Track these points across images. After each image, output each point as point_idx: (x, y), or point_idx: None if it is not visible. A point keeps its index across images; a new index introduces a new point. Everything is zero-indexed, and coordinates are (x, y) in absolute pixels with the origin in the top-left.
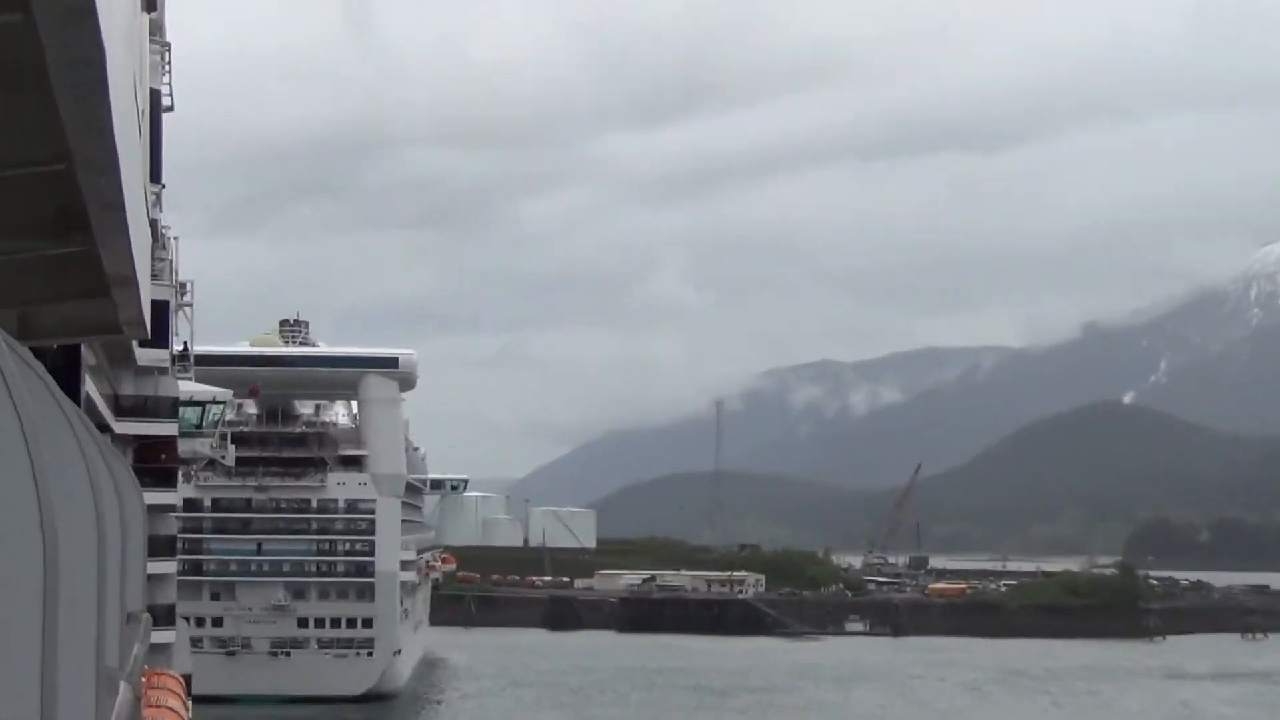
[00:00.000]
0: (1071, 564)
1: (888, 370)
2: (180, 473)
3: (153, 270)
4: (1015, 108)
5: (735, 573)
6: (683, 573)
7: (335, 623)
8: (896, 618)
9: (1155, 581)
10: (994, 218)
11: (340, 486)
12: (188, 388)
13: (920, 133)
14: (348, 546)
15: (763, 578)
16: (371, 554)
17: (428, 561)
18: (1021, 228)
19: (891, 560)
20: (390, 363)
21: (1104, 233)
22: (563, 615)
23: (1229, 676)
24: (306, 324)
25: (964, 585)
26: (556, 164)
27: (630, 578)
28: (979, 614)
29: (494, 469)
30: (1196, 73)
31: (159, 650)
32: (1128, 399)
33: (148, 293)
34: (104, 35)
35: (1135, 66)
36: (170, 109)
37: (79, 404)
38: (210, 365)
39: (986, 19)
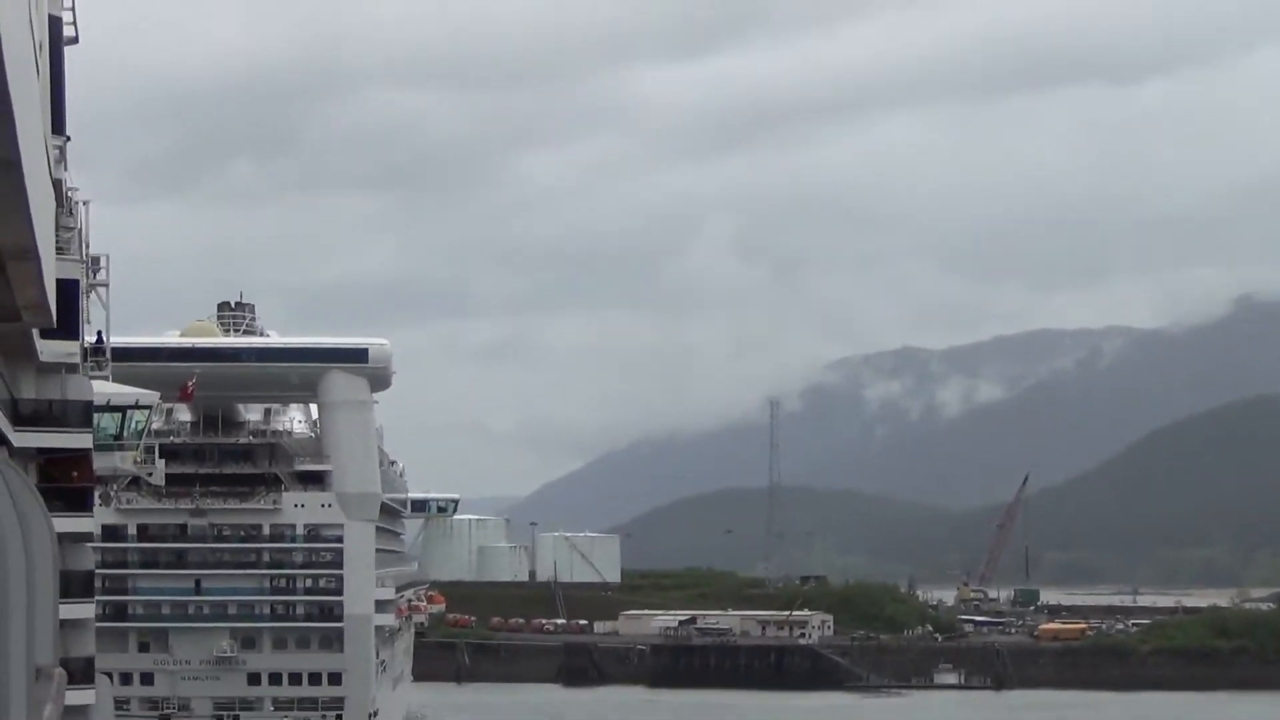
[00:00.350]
0: (1220, 598)
1: (987, 359)
2: (98, 494)
3: (57, 243)
4: (1162, 31)
5: (797, 612)
6: (731, 613)
7: (295, 678)
8: (999, 666)
9: None
10: (1124, 169)
11: (298, 509)
12: (104, 389)
13: (1037, 62)
14: (309, 584)
15: (831, 618)
16: (339, 593)
17: (410, 601)
18: (1162, 181)
19: (993, 595)
20: (358, 355)
21: (1260, 188)
22: (580, 667)
23: None
24: (251, 308)
25: (1083, 625)
26: (566, 108)
27: (664, 619)
28: (1103, 661)
29: (492, 486)
30: None
31: (75, 713)
32: None
33: (51, 270)
34: None
35: None
36: (75, 40)
37: None
38: (132, 361)
39: None
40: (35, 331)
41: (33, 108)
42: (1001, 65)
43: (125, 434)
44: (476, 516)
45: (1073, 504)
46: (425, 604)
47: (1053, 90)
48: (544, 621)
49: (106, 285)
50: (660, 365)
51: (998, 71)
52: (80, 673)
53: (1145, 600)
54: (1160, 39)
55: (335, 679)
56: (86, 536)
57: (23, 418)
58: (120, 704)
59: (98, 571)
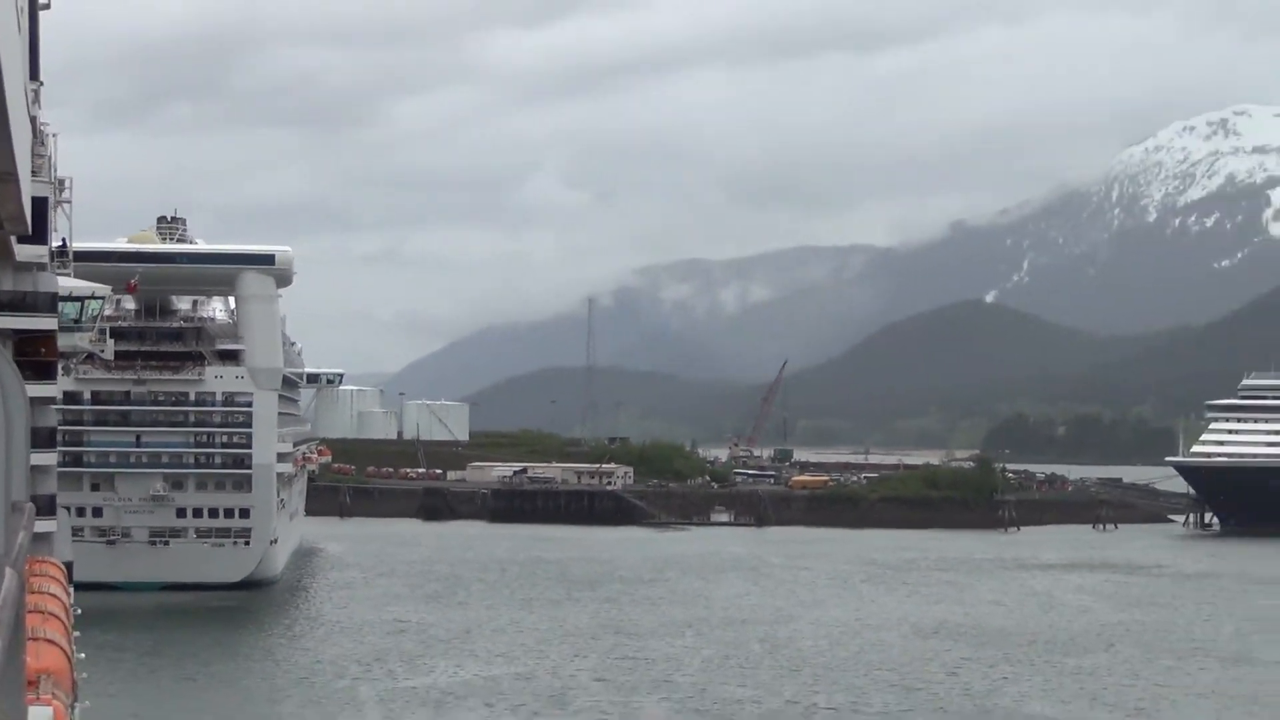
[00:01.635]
0: (932, 457)
1: (759, 268)
2: (60, 366)
3: (32, 167)
4: (904, 9)
5: (605, 465)
6: (554, 465)
7: (213, 513)
8: (760, 509)
9: (1011, 475)
10: (871, 120)
11: (218, 380)
12: (66, 283)
13: (805, 33)
14: (225, 439)
15: (631, 470)
16: (249, 446)
17: (304, 454)
18: (897, 130)
19: (757, 453)
20: (267, 259)
21: (976, 135)
22: (436, 507)
23: (1079, 567)
24: (184, 221)
25: (826, 478)
26: (437, 63)
27: (502, 470)
28: (840, 506)
29: (369, 364)
30: None
31: (41, 539)
32: (990, 298)
33: (28, 189)
34: None
35: None
36: (47, 6)
37: None
38: (89, 261)
39: None
40: (13, 238)
41: (14, 59)
42: (784, 35)
43: (83, 319)
44: (357, 387)
45: (820, 383)
46: (316, 456)
47: (815, 56)
48: (408, 471)
49: (70, 202)
50: (504, 269)
51: (781, 40)
52: (45, 507)
53: (874, 459)
54: (903, 17)
55: (244, 514)
56: (51, 400)
57: (2, 305)
58: (76, 532)
59: (59, 427)
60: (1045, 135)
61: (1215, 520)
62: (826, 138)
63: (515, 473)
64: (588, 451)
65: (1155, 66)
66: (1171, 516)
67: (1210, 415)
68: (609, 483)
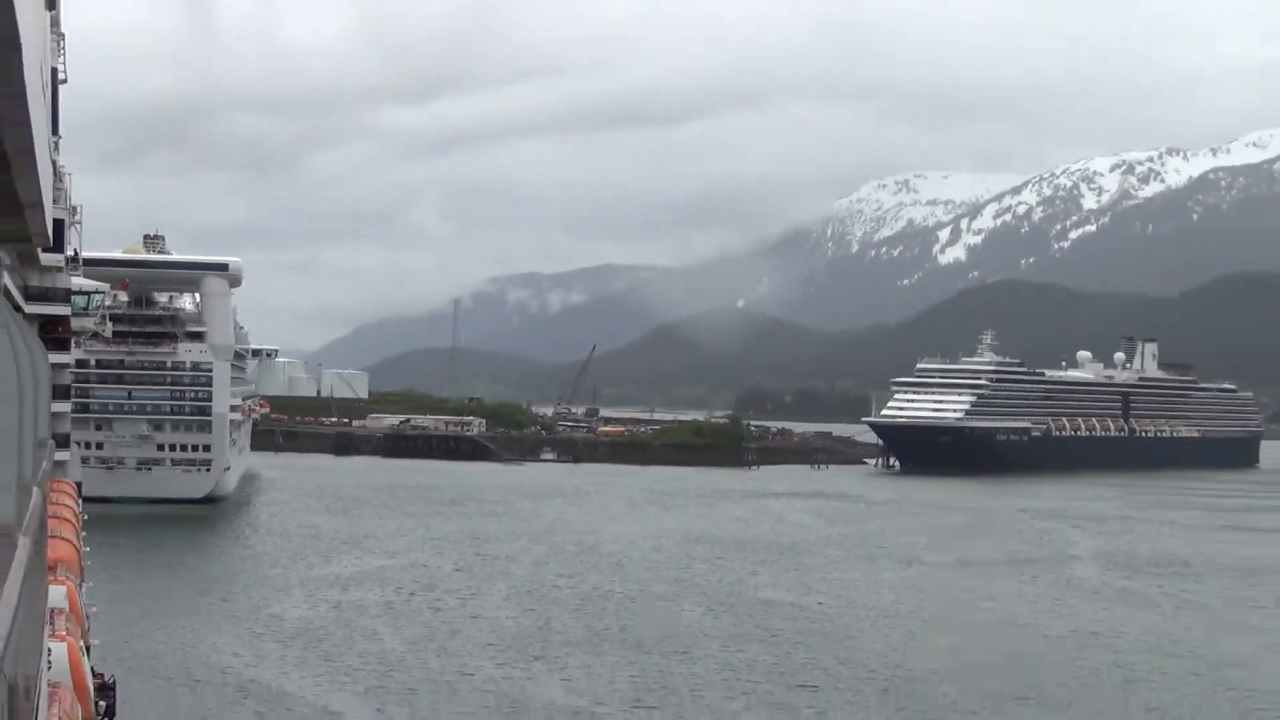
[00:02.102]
0: (698, 415)
1: (578, 280)
2: (73, 341)
3: (54, 197)
4: (683, 96)
5: (465, 418)
6: (429, 417)
7: (184, 448)
8: (577, 450)
9: (754, 429)
10: (657, 175)
11: (188, 353)
12: (77, 282)
13: (610, 112)
14: (193, 395)
15: (485, 421)
16: (210, 400)
17: (249, 406)
18: (676, 181)
19: (574, 411)
20: (222, 267)
21: (732, 188)
22: (344, 445)
23: (801, 495)
24: (163, 238)
25: (623, 429)
26: (345, 128)
27: (391, 420)
28: (633, 450)
29: (296, 343)
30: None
31: (59, 465)
32: (741, 304)
33: (50, 213)
34: (20, 29)
35: (774, 62)
36: (65, 82)
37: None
38: (93, 266)
39: (670, 20)
40: (39, 249)
41: (41, 119)
42: (596, 112)
43: (90, 308)
44: (287, 359)
45: (620, 361)
46: (257, 408)
47: (623, 128)
48: (324, 419)
49: (80, 223)
50: (393, 276)
51: (594, 116)
52: (62, 442)
53: (658, 415)
54: (681, 101)
55: (206, 449)
56: (66, 365)
57: (31, 296)
58: (84, 460)
59: (72, 385)
60: (781, 190)
61: (896, 463)
62: (626, 187)
63: (401, 422)
64: (453, 407)
65: (859, 143)
66: (866, 460)
67: (894, 389)
68: (468, 430)
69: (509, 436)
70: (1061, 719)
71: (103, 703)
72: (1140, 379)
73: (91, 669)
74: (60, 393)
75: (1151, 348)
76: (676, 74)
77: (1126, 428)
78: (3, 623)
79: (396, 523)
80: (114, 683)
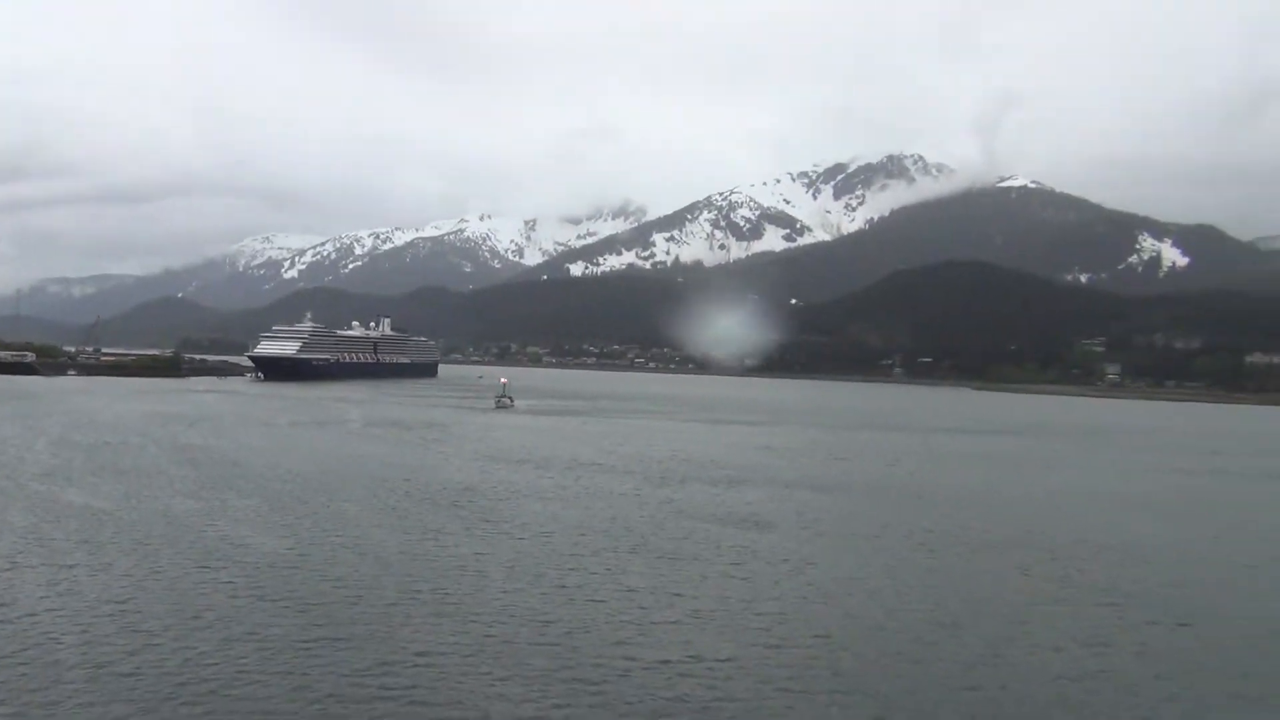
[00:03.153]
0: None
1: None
2: None
3: None
4: None
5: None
6: None
7: None
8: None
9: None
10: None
11: None
12: None
13: None
14: None
15: (35, 354)
16: None
17: None
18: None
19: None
20: None
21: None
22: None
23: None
24: None
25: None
26: None
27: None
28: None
29: None
30: None
31: None
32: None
33: None
34: None
35: None
36: None
37: None
38: None
39: None
40: None
41: None
42: None
43: None
44: None
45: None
46: None
47: None
48: None
49: None
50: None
51: None
52: None
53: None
54: None
55: None
56: None
57: None
58: None
59: None
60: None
61: (262, 375)
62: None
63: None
64: (12, 345)
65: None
66: (246, 374)
67: (262, 337)
68: (27, 357)
69: (55, 363)
70: None
71: None
72: (383, 335)
73: None
74: None
75: (387, 321)
76: None
77: (376, 358)
78: None
79: None
80: None
